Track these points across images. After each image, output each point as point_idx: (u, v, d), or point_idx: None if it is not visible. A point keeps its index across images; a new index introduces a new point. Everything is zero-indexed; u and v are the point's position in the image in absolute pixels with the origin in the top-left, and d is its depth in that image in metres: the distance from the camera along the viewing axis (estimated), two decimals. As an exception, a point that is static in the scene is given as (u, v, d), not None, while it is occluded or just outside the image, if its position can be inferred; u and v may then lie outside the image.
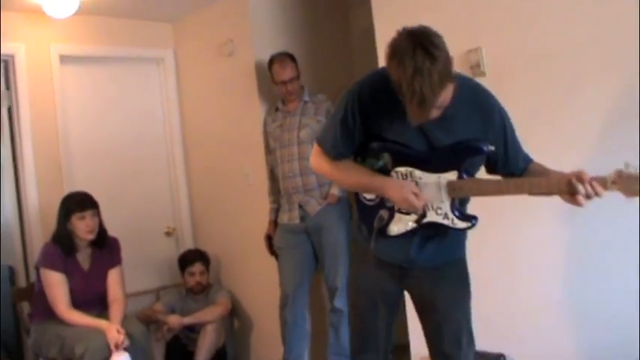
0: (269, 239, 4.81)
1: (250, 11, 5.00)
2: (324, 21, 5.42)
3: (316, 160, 2.78)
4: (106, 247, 4.39)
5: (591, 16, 3.31)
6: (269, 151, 4.79)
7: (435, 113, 2.34)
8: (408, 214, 2.59)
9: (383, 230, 2.66)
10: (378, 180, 2.61)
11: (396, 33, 2.28)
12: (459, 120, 2.48)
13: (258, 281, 5.17)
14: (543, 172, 2.56)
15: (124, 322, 4.20)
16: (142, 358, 4.21)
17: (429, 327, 2.86)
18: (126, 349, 3.99)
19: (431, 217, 2.57)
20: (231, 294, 5.32)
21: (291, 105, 4.66)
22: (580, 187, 2.27)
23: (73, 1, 4.62)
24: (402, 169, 2.58)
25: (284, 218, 4.66)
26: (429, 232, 2.65)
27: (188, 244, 5.69)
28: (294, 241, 4.62)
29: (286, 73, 4.58)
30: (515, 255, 3.71)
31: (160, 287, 5.52)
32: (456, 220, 2.55)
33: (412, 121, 2.36)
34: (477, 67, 3.72)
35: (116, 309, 4.26)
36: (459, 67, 3.73)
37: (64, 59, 5.15)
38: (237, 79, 5.14)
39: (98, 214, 4.34)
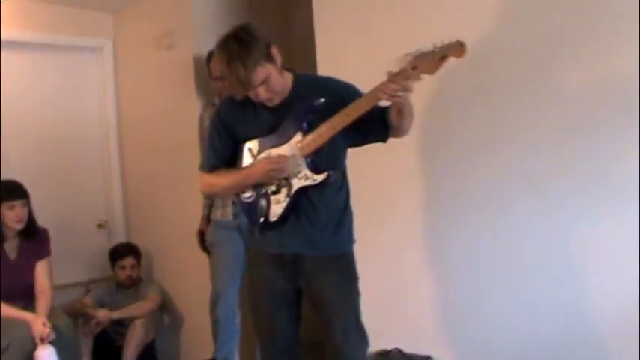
0: (201, 235, 4.78)
1: (192, 4, 4.97)
2: (266, 19, 5.39)
3: (201, 183, 3.12)
4: (35, 237, 4.32)
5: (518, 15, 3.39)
6: (204, 146, 4.75)
7: (274, 98, 2.77)
8: (277, 192, 2.84)
9: (266, 219, 2.86)
10: (243, 172, 2.89)
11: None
12: (300, 101, 2.81)
13: (189, 277, 5.15)
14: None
15: (51, 314, 4.14)
16: (68, 351, 4.15)
17: (321, 323, 2.93)
18: (51, 343, 3.92)
19: (296, 184, 2.80)
20: (162, 289, 5.28)
21: (228, 101, 4.64)
22: (392, 85, 2.54)
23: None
24: (252, 145, 2.90)
25: (217, 214, 4.64)
26: (307, 212, 2.85)
27: (120, 238, 5.63)
28: (226, 238, 4.59)
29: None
30: (442, 255, 3.76)
31: (90, 280, 5.44)
32: (315, 176, 2.78)
33: (238, 95, 2.83)
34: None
35: (42, 301, 4.19)
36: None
37: (2, 44, 5.02)
38: (176, 73, 5.11)
39: (28, 204, 4.28)
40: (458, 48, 2.41)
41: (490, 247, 3.54)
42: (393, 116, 2.73)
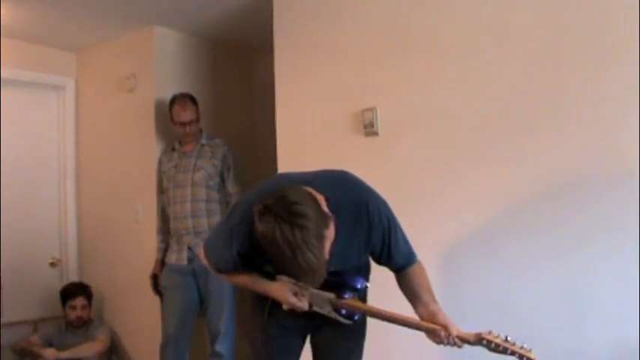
0: (154, 278, 4.78)
1: (155, 48, 5.02)
2: (228, 67, 5.49)
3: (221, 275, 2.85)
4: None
5: (481, 73, 3.46)
6: (161, 190, 4.80)
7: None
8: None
9: (277, 304, 2.73)
10: (262, 284, 2.71)
11: (257, 207, 2.21)
12: (339, 243, 2.39)
13: (140, 320, 5.11)
14: (416, 288, 2.64)
15: (-3, 353, 4.09)
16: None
17: None
18: (-4, 382, 3.88)
19: (316, 309, 2.68)
20: (112, 331, 5.24)
21: (187, 146, 4.68)
22: (445, 340, 2.43)
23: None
24: (284, 278, 2.65)
25: (172, 258, 4.65)
26: None
27: (72, 277, 5.56)
28: (180, 282, 4.60)
29: (186, 114, 4.61)
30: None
31: (39, 319, 5.36)
32: (338, 317, 2.67)
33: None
34: (370, 126, 3.83)
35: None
36: (353, 126, 3.90)
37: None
38: (136, 115, 5.14)
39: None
40: None
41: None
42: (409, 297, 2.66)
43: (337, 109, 4.02)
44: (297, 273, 2.20)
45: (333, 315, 2.67)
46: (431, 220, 3.65)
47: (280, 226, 2.11)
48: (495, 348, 2.37)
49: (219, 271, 2.77)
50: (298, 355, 2.98)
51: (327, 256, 2.24)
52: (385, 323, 2.67)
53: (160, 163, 4.85)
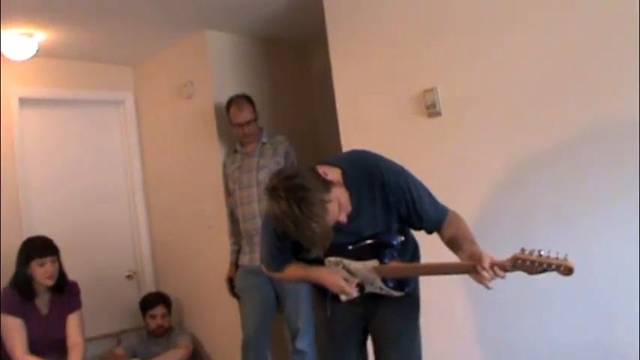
0: (230, 281, 4.79)
1: (209, 53, 5.04)
2: (283, 64, 5.48)
3: (274, 274, 3.01)
4: (65, 291, 4.34)
5: (542, 49, 3.37)
6: (229, 193, 4.80)
7: (343, 217, 2.52)
8: None
9: (335, 297, 2.84)
10: (313, 272, 2.82)
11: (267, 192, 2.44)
12: (363, 210, 2.65)
13: (219, 323, 5.14)
14: (455, 240, 2.65)
15: (84, 367, 4.15)
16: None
17: (378, 356, 2.94)
18: (85, 396, 3.94)
19: (368, 289, 2.78)
20: (193, 337, 5.29)
21: (249, 147, 4.68)
22: (484, 273, 2.38)
23: (32, 43, 4.63)
24: (332, 259, 2.77)
25: (245, 260, 4.66)
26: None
27: (149, 287, 5.64)
28: (255, 283, 4.60)
29: (243, 115, 4.61)
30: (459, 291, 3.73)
31: (122, 331, 5.45)
32: (391, 291, 2.77)
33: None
34: (432, 106, 3.77)
35: (75, 354, 4.21)
36: (414, 107, 3.84)
37: (24, 102, 5.13)
38: (197, 121, 5.17)
39: (58, 259, 4.29)
40: (566, 272, 2.29)
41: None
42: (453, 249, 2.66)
43: (397, 93, 3.97)
44: (306, 243, 2.44)
45: (385, 290, 2.74)
46: (498, 196, 3.58)
47: (279, 203, 2.34)
48: (532, 267, 2.31)
49: (273, 269, 2.93)
50: (361, 349, 3.03)
51: (337, 217, 2.47)
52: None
53: (224, 166, 4.86)
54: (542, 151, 3.39)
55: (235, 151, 4.78)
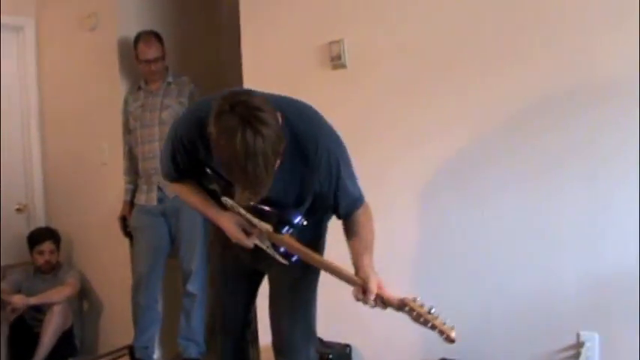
0: (123, 220, 4.72)
1: (116, -15, 4.88)
2: (193, 3, 5.35)
3: (171, 186, 2.91)
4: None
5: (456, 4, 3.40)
6: (128, 130, 4.69)
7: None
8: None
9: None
10: (212, 212, 2.70)
11: (219, 103, 2.13)
12: (284, 172, 2.35)
13: (110, 263, 5.07)
14: (354, 237, 2.60)
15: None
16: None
17: (271, 311, 2.90)
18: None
19: (259, 243, 2.64)
20: (82, 275, 5.20)
21: (153, 85, 4.59)
22: (367, 299, 2.39)
23: None
24: (229, 201, 2.61)
25: (141, 199, 4.59)
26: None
27: (40, 222, 5.50)
28: (150, 223, 4.56)
29: (151, 52, 4.51)
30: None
31: (7, 265, 5.28)
32: (277, 255, 2.63)
33: (240, 200, 2.45)
34: (337, 58, 3.76)
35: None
36: (319, 58, 3.82)
37: None
38: (99, 55, 5.01)
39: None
40: (448, 341, 2.32)
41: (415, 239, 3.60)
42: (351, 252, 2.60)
43: (304, 42, 3.93)
44: (242, 181, 2.16)
45: (271, 251, 2.63)
46: (400, 152, 3.62)
47: (243, 128, 2.04)
48: (417, 318, 2.32)
49: (171, 178, 2.75)
50: (251, 292, 2.99)
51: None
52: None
53: (125, 102, 4.74)
54: (449, 109, 3.43)
55: (139, 89, 4.67)
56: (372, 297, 2.36)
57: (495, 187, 3.29)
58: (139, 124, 4.55)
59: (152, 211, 4.53)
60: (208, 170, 2.57)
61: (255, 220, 2.59)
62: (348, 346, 3.86)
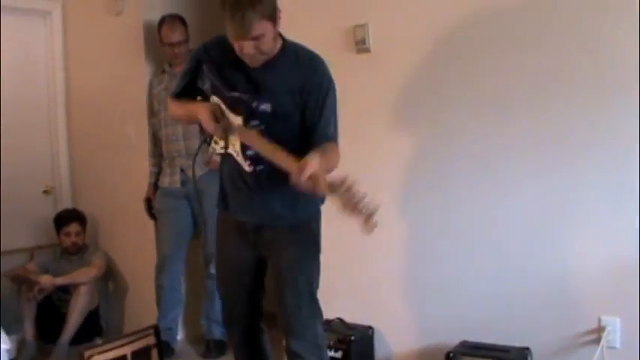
0: (148, 202, 4.79)
1: (142, -32, 4.90)
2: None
3: (169, 106, 3.10)
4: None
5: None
6: (153, 113, 4.74)
7: (256, 61, 2.61)
8: (219, 141, 2.78)
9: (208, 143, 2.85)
10: (194, 105, 2.84)
11: None
12: (272, 80, 2.68)
13: (135, 244, 5.12)
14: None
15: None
16: (10, 317, 4.11)
17: (275, 293, 2.90)
18: (-8, 307, 3.89)
19: (230, 150, 2.74)
20: (108, 256, 5.25)
21: (177, 68, 4.59)
22: (301, 178, 2.32)
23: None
24: (215, 99, 2.79)
25: (165, 182, 4.64)
26: (271, 184, 2.73)
27: (66, 204, 5.55)
28: (173, 205, 4.60)
29: (175, 35, 4.55)
30: (384, 229, 3.79)
31: (35, 247, 5.38)
32: (244, 162, 2.71)
33: (241, 56, 2.61)
34: (362, 42, 3.77)
35: (-16, 266, 4.14)
36: (344, 41, 3.83)
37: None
38: (125, 39, 5.05)
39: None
40: (367, 225, 2.21)
41: (435, 225, 3.61)
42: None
43: (329, 26, 3.95)
44: (229, 12, 2.51)
45: (240, 157, 2.69)
46: (423, 137, 3.63)
47: None
48: (348, 200, 2.21)
49: (173, 94, 3.00)
50: (256, 282, 3.00)
51: (249, 48, 2.54)
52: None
53: (150, 85, 4.79)
54: (467, 99, 3.44)
55: (163, 72, 4.71)
56: (305, 175, 2.30)
57: (519, 173, 3.30)
58: (163, 107, 4.57)
59: (175, 193, 4.56)
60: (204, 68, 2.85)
61: (232, 115, 2.70)
62: (370, 328, 3.88)
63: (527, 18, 3.23)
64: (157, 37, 4.68)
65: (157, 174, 4.74)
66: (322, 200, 2.87)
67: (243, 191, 2.84)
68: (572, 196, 3.17)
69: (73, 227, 5.09)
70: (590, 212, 3.13)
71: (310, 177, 2.30)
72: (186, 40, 4.60)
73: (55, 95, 5.62)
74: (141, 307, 5.09)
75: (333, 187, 2.26)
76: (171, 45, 4.54)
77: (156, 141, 4.74)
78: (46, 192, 5.57)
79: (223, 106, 2.74)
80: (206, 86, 2.90)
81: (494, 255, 3.42)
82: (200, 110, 2.75)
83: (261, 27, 2.50)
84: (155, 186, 4.75)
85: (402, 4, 3.64)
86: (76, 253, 5.09)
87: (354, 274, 3.93)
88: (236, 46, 2.59)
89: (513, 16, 3.27)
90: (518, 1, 3.25)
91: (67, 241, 5.07)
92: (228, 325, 3.15)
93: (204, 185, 4.44)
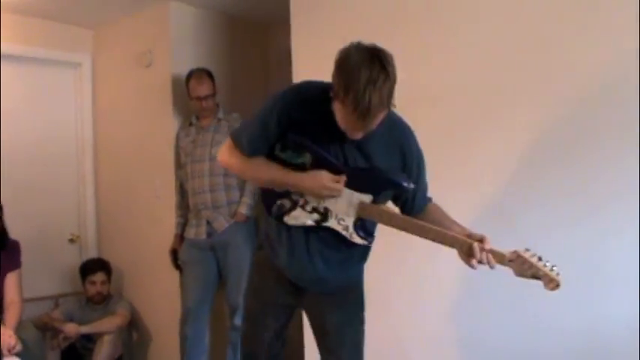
0: (174, 253, 4.81)
1: (171, 24, 5.01)
2: (244, 42, 5.47)
3: (227, 154, 2.71)
4: (5, 249, 4.30)
5: (493, 42, 3.45)
6: (179, 165, 4.81)
7: (359, 135, 2.38)
8: (310, 212, 2.59)
9: (280, 218, 2.64)
10: (294, 175, 2.56)
11: (349, 45, 2.31)
12: (378, 150, 2.52)
13: (160, 295, 5.15)
14: (441, 217, 2.64)
15: (19, 327, 4.13)
16: (35, 365, 4.14)
17: (320, 350, 2.88)
18: (18, 355, 3.92)
19: (332, 224, 2.58)
20: (132, 306, 5.27)
21: (205, 121, 4.69)
22: (478, 254, 2.37)
23: (-9, -2, 4.55)
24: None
25: (191, 233, 4.67)
26: (327, 252, 2.66)
27: (92, 253, 5.61)
28: (199, 257, 4.63)
29: (202, 89, 4.62)
30: (413, 284, 3.80)
31: (60, 294, 5.41)
32: (354, 235, 2.59)
33: (348, 132, 2.38)
34: (388, 98, 3.80)
35: (11, 313, 4.18)
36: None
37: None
38: (153, 91, 5.14)
39: (1, 216, 4.26)
40: (552, 286, 2.38)
41: (460, 281, 3.60)
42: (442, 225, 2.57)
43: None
44: (353, 105, 2.21)
45: (350, 232, 2.58)
46: (448, 191, 3.63)
47: (372, 59, 2.23)
48: (524, 269, 2.36)
49: (243, 150, 2.63)
50: (283, 326, 2.93)
51: (362, 135, 2.37)
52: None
53: (177, 138, 4.86)
54: (495, 152, 3.46)
55: (190, 124, 4.78)
56: (483, 252, 2.37)
57: (545, 225, 3.28)
58: (190, 159, 4.65)
59: (201, 245, 4.60)
60: (297, 139, 2.54)
61: (348, 192, 2.54)
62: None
63: (551, 75, 3.27)
64: (184, 91, 4.75)
65: (183, 225, 4.78)
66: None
67: (301, 255, 2.68)
68: (600, 247, 3.15)
69: (99, 276, 5.13)
70: (617, 265, 3.11)
71: (489, 251, 2.39)
72: (214, 94, 4.67)
73: (83, 145, 5.71)
74: (164, 357, 5.09)
75: (508, 261, 2.39)
76: (199, 99, 4.62)
77: (182, 192, 4.80)
78: (71, 240, 5.63)
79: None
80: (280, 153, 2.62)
81: (521, 310, 3.39)
82: (308, 182, 2.53)
83: (382, 117, 2.34)
84: (181, 237, 4.78)
85: (424, 62, 3.68)
86: (101, 302, 5.12)
87: (378, 331, 3.92)
88: (348, 129, 2.38)
89: (540, 72, 3.31)
90: (544, 56, 3.29)
91: (92, 290, 5.10)
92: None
93: (230, 236, 4.49)
